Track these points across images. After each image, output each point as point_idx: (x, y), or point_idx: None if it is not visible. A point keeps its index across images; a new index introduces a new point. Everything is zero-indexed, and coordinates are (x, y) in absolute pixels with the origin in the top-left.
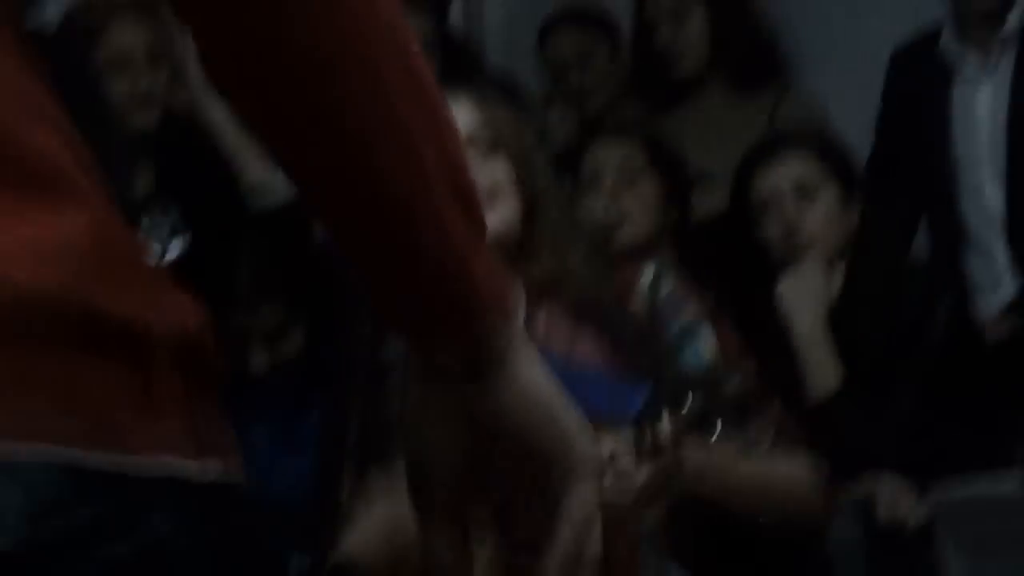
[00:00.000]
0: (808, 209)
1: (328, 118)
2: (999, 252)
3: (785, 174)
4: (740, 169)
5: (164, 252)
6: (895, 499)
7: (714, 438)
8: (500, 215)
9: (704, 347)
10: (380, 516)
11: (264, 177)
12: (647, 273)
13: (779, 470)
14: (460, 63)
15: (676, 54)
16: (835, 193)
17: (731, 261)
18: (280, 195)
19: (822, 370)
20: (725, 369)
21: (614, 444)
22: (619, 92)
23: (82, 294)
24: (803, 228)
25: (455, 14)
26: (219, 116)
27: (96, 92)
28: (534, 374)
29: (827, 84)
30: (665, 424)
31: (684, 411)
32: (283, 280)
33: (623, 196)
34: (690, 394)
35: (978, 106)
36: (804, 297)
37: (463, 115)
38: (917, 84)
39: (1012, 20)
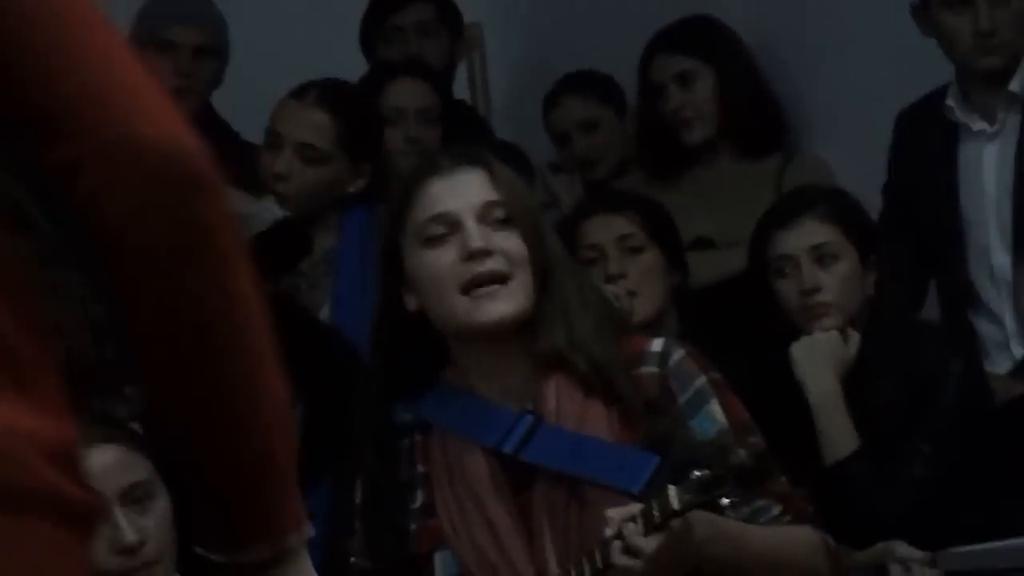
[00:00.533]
0: (826, 273)
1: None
2: (1007, 316)
3: (803, 238)
4: (758, 231)
5: None
6: (909, 566)
7: (723, 508)
8: (516, 292)
9: (712, 417)
10: None
11: (249, 209)
12: (655, 344)
13: (788, 538)
14: (468, 135)
15: (684, 120)
16: (853, 258)
17: (741, 325)
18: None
19: (837, 435)
20: (733, 439)
21: (623, 516)
22: (626, 158)
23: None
24: (820, 293)
25: (460, 86)
26: None
27: None
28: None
29: (833, 147)
30: (674, 495)
31: (693, 481)
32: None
33: (629, 274)
34: (699, 464)
35: (984, 167)
36: (819, 362)
37: (478, 189)
38: (923, 145)
39: (1016, 81)
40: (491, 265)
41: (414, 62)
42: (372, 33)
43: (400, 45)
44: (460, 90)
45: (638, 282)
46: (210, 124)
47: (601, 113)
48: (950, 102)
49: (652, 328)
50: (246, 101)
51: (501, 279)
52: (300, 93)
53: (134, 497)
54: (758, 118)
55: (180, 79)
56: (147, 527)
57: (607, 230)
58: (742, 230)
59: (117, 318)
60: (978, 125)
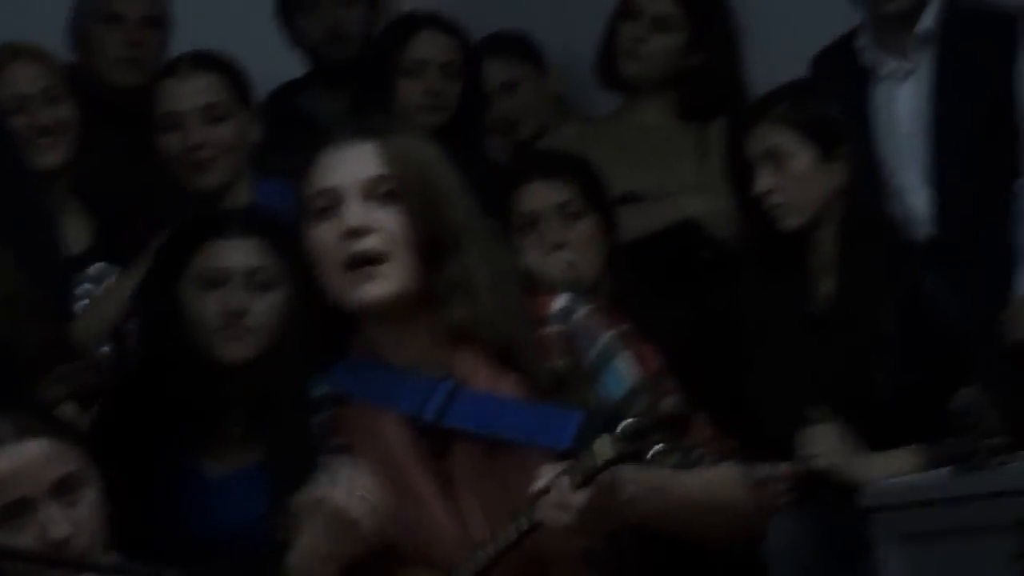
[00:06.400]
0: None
1: None
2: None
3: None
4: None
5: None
6: None
7: (648, 458)
8: (392, 272)
9: (623, 371)
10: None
11: None
12: (559, 302)
13: (713, 480)
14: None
15: (639, 54)
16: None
17: (673, 278)
18: None
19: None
20: (649, 389)
21: (550, 473)
22: (547, 118)
23: None
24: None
25: None
26: None
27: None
28: None
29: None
30: (601, 446)
31: (619, 433)
32: None
33: (569, 242)
34: (619, 419)
35: (898, 107)
36: None
37: (364, 163)
38: (837, 86)
39: (926, 20)
40: (366, 244)
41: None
42: (289, 6)
43: (318, 16)
44: None
45: (577, 250)
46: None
47: (521, 73)
48: (861, 44)
49: (590, 293)
50: None
51: (377, 259)
52: (171, 71)
53: (65, 489)
54: (710, 84)
55: (129, 50)
56: (78, 519)
57: (544, 198)
58: (668, 184)
59: None
60: (889, 66)
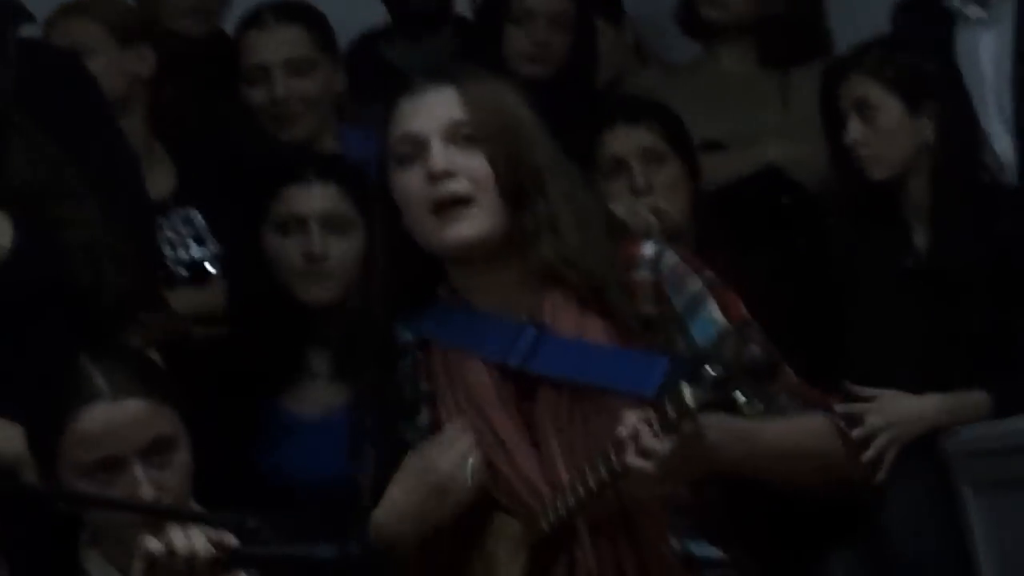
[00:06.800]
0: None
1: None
2: None
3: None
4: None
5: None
6: None
7: (738, 404)
8: (478, 214)
9: (711, 318)
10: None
11: None
12: (647, 249)
13: (800, 428)
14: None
15: (721, 1)
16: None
17: (756, 226)
18: None
19: None
20: (736, 336)
21: (634, 419)
22: (624, 67)
23: None
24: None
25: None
26: None
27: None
28: None
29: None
30: (688, 393)
31: (706, 380)
32: None
33: (655, 186)
34: (706, 366)
35: (981, 54)
36: None
37: (445, 108)
38: (920, 33)
39: None
40: (452, 187)
41: None
42: None
43: None
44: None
45: (663, 194)
46: (221, 46)
47: (598, 25)
48: None
49: (676, 238)
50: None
51: (463, 201)
52: (255, 22)
53: (156, 450)
54: (793, 30)
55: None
56: (165, 482)
57: (629, 141)
58: (749, 132)
59: None
60: (974, 12)
